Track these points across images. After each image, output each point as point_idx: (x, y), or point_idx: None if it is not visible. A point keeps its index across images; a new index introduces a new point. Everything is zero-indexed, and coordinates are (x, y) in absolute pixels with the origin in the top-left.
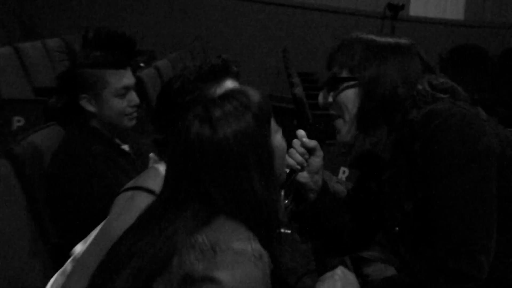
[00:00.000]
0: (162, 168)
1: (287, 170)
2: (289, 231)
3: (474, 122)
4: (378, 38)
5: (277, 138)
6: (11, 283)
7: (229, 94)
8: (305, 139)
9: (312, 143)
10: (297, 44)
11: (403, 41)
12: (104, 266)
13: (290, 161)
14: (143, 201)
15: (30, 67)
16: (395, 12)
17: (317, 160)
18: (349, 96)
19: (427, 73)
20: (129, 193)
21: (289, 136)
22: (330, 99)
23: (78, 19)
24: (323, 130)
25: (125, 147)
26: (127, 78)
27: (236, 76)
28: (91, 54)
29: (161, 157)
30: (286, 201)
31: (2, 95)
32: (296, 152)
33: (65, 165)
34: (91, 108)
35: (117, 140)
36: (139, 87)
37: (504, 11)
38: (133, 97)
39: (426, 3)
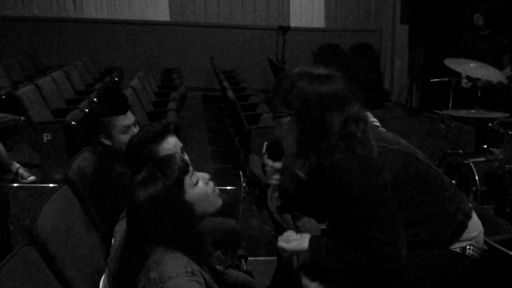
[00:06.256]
0: None
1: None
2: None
3: (371, 169)
4: (311, 87)
5: (198, 188)
6: (85, 262)
7: (152, 165)
8: (274, 165)
9: (278, 165)
10: (219, 51)
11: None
12: (115, 283)
13: (272, 181)
14: None
15: (46, 97)
16: (285, 31)
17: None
18: (287, 123)
19: (350, 103)
20: (122, 221)
21: (218, 121)
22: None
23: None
24: (279, 150)
25: None
26: (127, 119)
27: (173, 132)
28: (102, 108)
29: None
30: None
31: (33, 120)
32: (271, 175)
33: (101, 181)
34: (107, 142)
35: None
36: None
37: (349, 19)
38: (134, 131)
39: (300, 18)
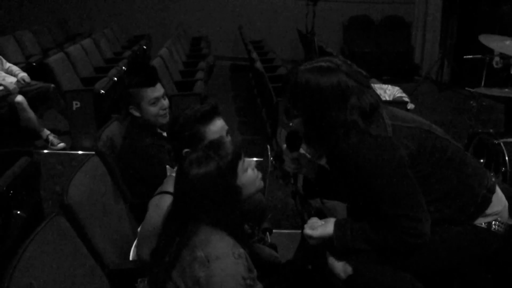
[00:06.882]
0: None
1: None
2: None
3: (386, 147)
4: (312, 82)
5: (248, 174)
6: (114, 233)
7: (207, 146)
8: (291, 155)
9: (295, 155)
10: (247, 21)
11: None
12: (155, 256)
13: (289, 169)
14: (167, 200)
15: (76, 65)
16: (315, 1)
17: (304, 160)
18: (298, 123)
19: (354, 93)
20: (158, 196)
21: (245, 92)
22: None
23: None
24: (299, 137)
25: (164, 133)
26: (156, 91)
27: (220, 114)
28: (131, 79)
29: (174, 168)
30: (298, 185)
31: (63, 88)
32: (289, 164)
33: (130, 152)
34: (137, 114)
35: (159, 130)
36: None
37: None
38: (163, 103)
39: None
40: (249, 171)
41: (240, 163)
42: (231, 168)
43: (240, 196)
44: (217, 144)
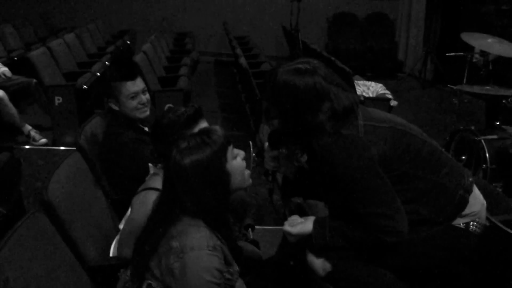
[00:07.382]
0: (161, 173)
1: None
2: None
3: (356, 146)
4: (288, 84)
5: (236, 161)
6: (95, 229)
7: (197, 133)
8: (271, 153)
9: (275, 153)
10: (232, 17)
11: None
12: (137, 246)
13: (268, 167)
14: (152, 196)
15: (58, 60)
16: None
17: (283, 159)
18: (276, 123)
19: (333, 94)
20: (143, 193)
21: (229, 88)
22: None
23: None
24: (278, 139)
25: (146, 128)
26: (136, 86)
27: (203, 116)
28: (112, 73)
29: (156, 166)
30: (276, 184)
31: (45, 83)
32: (268, 162)
33: (111, 147)
34: (115, 107)
35: (140, 125)
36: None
37: None
38: (141, 98)
39: None
40: (238, 159)
41: (230, 148)
42: (222, 153)
43: (229, 184)
44: (209, 131)
